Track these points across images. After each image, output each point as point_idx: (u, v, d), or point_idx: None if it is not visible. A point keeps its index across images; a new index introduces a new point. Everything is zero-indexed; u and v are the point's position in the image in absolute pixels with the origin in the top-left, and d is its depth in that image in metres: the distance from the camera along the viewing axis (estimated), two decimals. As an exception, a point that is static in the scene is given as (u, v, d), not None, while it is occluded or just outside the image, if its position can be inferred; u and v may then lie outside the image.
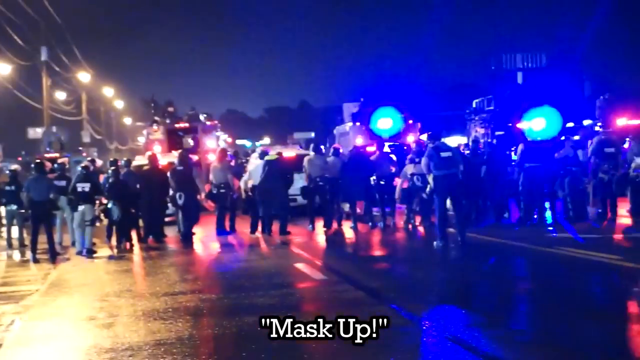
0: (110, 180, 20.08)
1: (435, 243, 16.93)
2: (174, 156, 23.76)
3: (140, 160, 26.11)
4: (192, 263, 17.60)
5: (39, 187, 18.84)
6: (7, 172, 22.38)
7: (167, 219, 21.98)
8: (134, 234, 20.45)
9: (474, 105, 48.63)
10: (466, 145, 26.36)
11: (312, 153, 22.12)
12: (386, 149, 25.04)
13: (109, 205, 19.63)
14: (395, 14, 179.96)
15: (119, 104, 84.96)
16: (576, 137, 28.31)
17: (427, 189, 18.56)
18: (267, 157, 21.36)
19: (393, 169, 21.73)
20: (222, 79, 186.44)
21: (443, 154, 17.03)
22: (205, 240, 21.29)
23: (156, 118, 43.11)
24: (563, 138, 22.92)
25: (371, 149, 24.70)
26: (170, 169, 21.15)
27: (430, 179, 17.35)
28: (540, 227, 19.31)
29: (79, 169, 19.82)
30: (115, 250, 19.69)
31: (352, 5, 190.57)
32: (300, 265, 15.14)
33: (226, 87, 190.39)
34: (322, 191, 21.41)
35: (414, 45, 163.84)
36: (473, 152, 21.66)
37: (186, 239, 20.47)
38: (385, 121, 36.45)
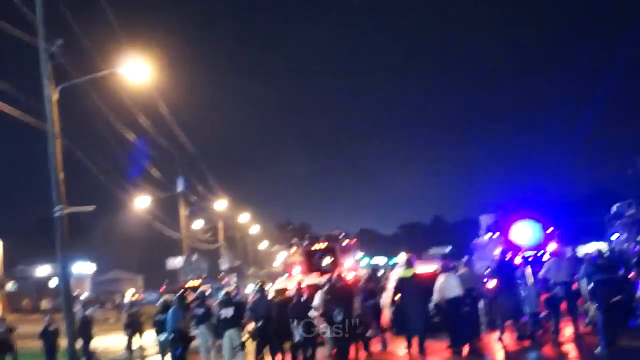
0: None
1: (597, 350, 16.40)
2: (314, 278, 23.35)
3: (281, 284, 25.91)
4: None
5: (174, 317, 19.78)
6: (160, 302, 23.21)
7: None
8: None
9: (614, 210, 47.49)
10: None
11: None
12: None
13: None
14: (533, 129, 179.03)
15: (255, 228, 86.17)
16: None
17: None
18: (401, 274, 20.24)
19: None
20: (355, 200, 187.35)
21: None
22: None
23: (293, 240, 43.06)
24: None
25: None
26: (330, 284, 19.73)
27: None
28: None
29: (221, 295, 19.91)
30: None
31: (485, 120, 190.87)
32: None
33: (359, 207, 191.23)
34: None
35: (551, 152, 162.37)
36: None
37: None
38: (524, 231, 35.81)
